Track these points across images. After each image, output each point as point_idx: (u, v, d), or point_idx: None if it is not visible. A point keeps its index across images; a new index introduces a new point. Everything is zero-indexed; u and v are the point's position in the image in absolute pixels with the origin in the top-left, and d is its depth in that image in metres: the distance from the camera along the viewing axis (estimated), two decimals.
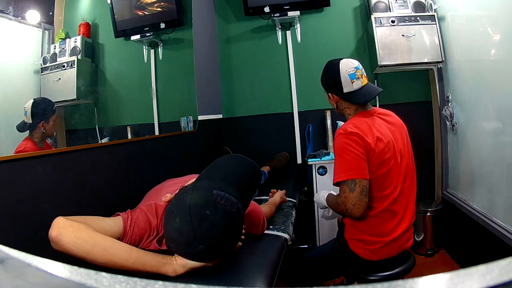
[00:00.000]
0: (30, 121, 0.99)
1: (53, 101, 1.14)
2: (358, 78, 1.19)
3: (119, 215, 0.91)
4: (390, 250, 1.19)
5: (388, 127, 1.21)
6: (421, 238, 2.08)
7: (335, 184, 1.14)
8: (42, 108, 1.05)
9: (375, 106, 2.31)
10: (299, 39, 2.45)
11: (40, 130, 1.01)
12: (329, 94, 1.28)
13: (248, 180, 0.85)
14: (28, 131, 0.99)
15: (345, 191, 1.10)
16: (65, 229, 0.71)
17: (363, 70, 1.22)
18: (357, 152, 1.10)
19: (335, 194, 1.27)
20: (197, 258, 0.76)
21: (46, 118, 1.03)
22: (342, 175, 1.11)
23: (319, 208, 1.39)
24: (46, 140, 1.07)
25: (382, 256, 1.19)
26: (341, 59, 1.22)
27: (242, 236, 0.88)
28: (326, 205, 1.30)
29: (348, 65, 1.19)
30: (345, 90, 1.20)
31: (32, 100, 1.03)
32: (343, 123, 2.07)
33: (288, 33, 2.45)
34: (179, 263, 0.76)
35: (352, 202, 1.09)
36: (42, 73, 1.11)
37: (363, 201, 1.09)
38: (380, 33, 2.05)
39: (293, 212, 1.52)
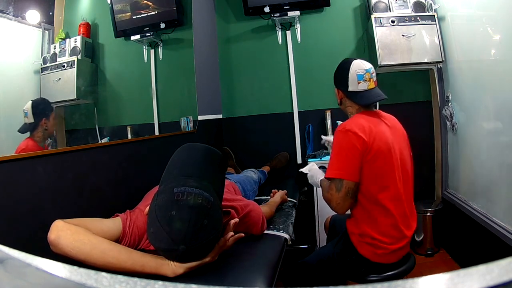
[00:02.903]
0: (32, 120, 1.01)
1: (53, 101, 1.14)
2: (366, 80, 1.22)
3: (118, 216, 0.91)
4: (396, 256, 1.20)
5: (388, 129, 1.21)
6: (421, 238, 2.08)
7: (327, 178, 1.19)
8: (42, 107, 1.07)
9: (378, 110, 2.32)
10: (299, 39, 2.45)
11: (42, 128, 1.04)
12: (336, 89, 1.31)
13: (206, 165, 0.84)
14: (28, 133, 1.00)
15: (332, 189, 1.14)
16: (63, 232, 0.71)
17: (373, 74, 1.24)
18: (351, 151, 1.12)
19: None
20: (185, 258, 0.75)
21: (47, 115, 1.07)
22: (332, 172, 1.15)
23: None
24: (46, 141, 1.07)
25: (389, 260, 1.19)
26: (356, 59, 1.26)
27: (242, 234, 0.88)
28: (319, 186, 1.33)
29: (360, 66, 1.23)
30: (350, 88, 1.23)
31: (30, 101, 1.05)
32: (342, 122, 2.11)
33: (288, 33, 2.45)
34: (178, 264, 0.76)
35: (337, 201, 1.14)
36: (42, 73, 1.11)
37: (347, 202, 1.13)
38: (380, 33, 2.05)
39: (293, 212, 1.52)
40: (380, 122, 1.21)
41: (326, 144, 1.47)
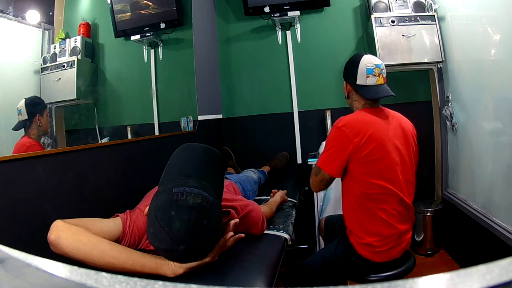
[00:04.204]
0: (26, 117, 1.02)
1: (53, 101, 1.15)
2: (375, 75, 1.23)
3: (118, 216, 0.91)
4: (396, 251, 1.20)
5: (389, 128, 1.22)
6: (421, 238, 2.08)
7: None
8: (34, 103, 1.08)
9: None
10: (299, 39, 2.45)
11: (36, 124, 1.05)
12: (345, 82, 1.33)
13: (205, 165, 0.84)
14: (23, 131, 1.01)
15: (313, 172, 1.26)
16: (63, 232, 0.71)
17: (383, 70, 1.24)
18: (338, 149, 1.17)
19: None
20: (185, 258, 0.75)
21: (40, 112, 1.07)
22: (318, 160, 1.24)
23: None
24: (44, 140, 1.08)
25: (389, 257, 1.20)
26: (368, 53, 1.27)
27: (242, 235, 0.88)
28: None
29: (370, 61, 1.23)
30: (358, 82, 1.24)
31: (23, 99, 1.05)
32: None
33: (288, 33, 2.45)
34: (178, 264, 0.76)
35: (313, 182, 1.27)
36: (42, 73, 1.11)
37: (320, 187, 1.27)
38: (380, 33, 2.05)
39: (293, 212, 1.52)
40: (381, 121, 1.22)
41: None
